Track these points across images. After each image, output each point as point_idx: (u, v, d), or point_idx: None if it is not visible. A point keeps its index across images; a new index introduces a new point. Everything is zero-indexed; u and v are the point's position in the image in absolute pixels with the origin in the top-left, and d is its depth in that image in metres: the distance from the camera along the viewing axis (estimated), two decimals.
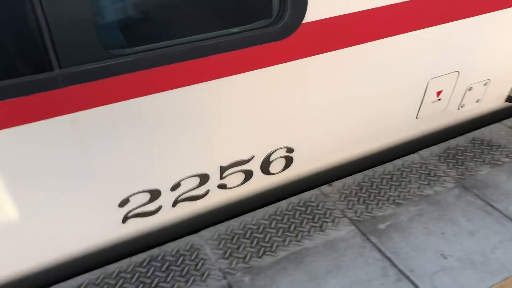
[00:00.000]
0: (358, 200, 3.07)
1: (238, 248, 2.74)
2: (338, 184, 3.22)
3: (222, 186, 2.97)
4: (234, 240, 2.79)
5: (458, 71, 3.40)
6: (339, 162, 3.45)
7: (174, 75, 2.29)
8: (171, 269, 2.62)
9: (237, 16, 2.45)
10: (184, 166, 2.72)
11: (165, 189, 2.73)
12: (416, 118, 3.50)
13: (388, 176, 3.28)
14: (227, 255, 2.70)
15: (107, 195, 2.57)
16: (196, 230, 2.91)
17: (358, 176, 3.28)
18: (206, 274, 2.58)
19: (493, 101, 3.94)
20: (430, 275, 2.55)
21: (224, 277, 2.56)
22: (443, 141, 3.63)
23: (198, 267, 2.63)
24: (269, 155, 3.00)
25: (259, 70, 2.51)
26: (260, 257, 2.67)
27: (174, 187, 2.76)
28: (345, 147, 3.37)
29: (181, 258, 2.69)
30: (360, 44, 2.74)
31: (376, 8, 2.64)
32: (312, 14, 2.46)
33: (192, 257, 2.69)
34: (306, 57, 2.60)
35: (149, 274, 2.59)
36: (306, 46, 2.56)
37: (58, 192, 2.39)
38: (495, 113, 4.05)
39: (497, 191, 3.09)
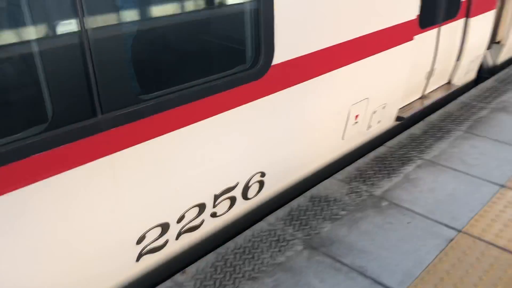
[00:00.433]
0: (214, 284, 2.91)
1: None
2: (191, 270, 3.02)
3: (213, 215, 3.25)
4: None
5: (367, 98, 4.12)
6: (295, 181, 3.96)
7: (187, 113, 2.70)
8: None
9: (225, 63, 3.02)
10: (189, 196, 3.00)
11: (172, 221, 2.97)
12: (342, 139, 4.16)
13: (241, 250, 3.21)
14: None
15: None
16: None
17: (211, 257, 3.14)
18: None
19: (388, 121, 4.79)
20: None
21: None
22: (353, 162, 4.30)
23: None
24: (249, 180, 3.37)
25: (245, 105, 3.02)
26: None
27: (180, 219, 3.00)
28: (301, 166, 3.93)
29: None
30: (309, 79, 3.42)
31: (316, 51, 3.37)
32: (277, 58, 3.11)
33: None
34: (276, 91, 3.21)
35: None
36: (275, 82, 3.18)
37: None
38: (389, 131, 4.91)
39: (341, 246, 3.24)
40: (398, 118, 4.85)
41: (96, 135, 2.31)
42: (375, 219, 3.51)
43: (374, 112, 4.33)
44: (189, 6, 2.97)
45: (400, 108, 4.87)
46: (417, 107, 5.03)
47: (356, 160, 4.35)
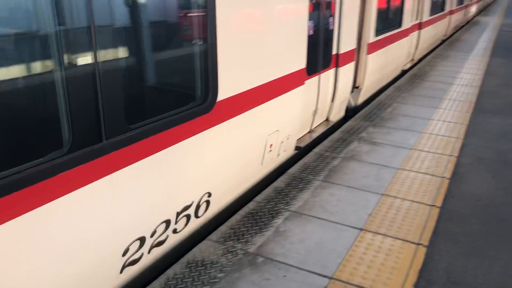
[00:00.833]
0: None
1: None
2: None
3: (174, 231, 3.74)
4: None
5: (278, 130, 5.06)
6: (231, 200, 4.67)
7: (160, 141, 3.29)
8: None
9: (185, 100, 3.65)
10: (159, 212, 3.48)
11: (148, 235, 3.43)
12: (261, 165, 4.95)
13: None
14: None
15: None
16: None
17: None
18: None
19: (290, 150, 5.75)
20: None
21: None
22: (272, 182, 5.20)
23: None
24: (200, 199, 3.95)
25: (198, 134, 3.68)
26: None
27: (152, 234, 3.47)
28: (236, 187, 4.65)
29: None
30: (241, 113, 4.23)
31: (245, 91, 4.25)
32: (221, 96, 3.88)
33: None
34: (221, 122, 3.94)
35: None
36: (220, 115, 3.92)
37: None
38: (291, 158, 5.90)
39: None
40: (296, 148, 5.88)
41: (100, 158, 2.81)
42: (253, 277, 3.53)
43: (282, 142, 5.31)
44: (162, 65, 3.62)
45: (297, 140, 5.89)
46: (308, 140, 6.17)
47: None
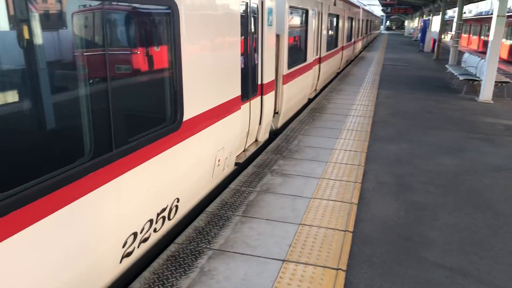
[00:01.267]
0: None
1: None
2: None
3: (155, 230, 4.40)
4: None
5: (224, 147, 5.95)
6: (192, 206, 5.42)
7: (145, 154, 4.04)
8: None
9: (160, 121, 4.44)
10: (147, 211, 4.20)
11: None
12: (212, 177, 5.78)
13: None
14: None
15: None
16: None
17: None
18: None
19: (232, 166, 6.64)
20: None
21: None
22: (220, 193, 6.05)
23: None
24: (172, 203, 4.65)
25: (169, 149, 4.43)
26: None
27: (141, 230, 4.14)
28: (196, 195, 5.45)
29: None
30: (199, 131, 5.09)
31: (201, 113, 5.14)
32: (186, 116, 4.70)
33: None
34: (185, 139, 4.75)
35: None
36: (186, 132, 4.75)
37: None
38: (232, 173, 6.78)
39: None
40: (236, 164, 6.83)
41: (110, 164, 3.50)
42: None
43: (226, 158, 6.14)
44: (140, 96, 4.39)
45: (236, 157, 6.82)
46: (243, 158, 7.16)
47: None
